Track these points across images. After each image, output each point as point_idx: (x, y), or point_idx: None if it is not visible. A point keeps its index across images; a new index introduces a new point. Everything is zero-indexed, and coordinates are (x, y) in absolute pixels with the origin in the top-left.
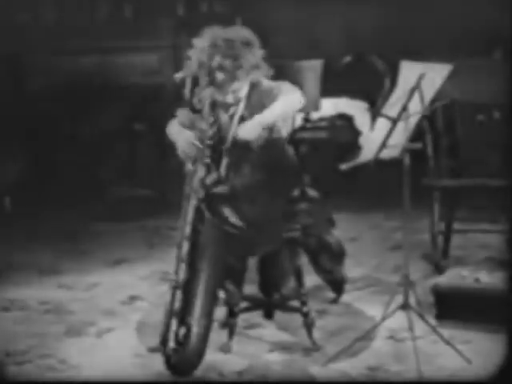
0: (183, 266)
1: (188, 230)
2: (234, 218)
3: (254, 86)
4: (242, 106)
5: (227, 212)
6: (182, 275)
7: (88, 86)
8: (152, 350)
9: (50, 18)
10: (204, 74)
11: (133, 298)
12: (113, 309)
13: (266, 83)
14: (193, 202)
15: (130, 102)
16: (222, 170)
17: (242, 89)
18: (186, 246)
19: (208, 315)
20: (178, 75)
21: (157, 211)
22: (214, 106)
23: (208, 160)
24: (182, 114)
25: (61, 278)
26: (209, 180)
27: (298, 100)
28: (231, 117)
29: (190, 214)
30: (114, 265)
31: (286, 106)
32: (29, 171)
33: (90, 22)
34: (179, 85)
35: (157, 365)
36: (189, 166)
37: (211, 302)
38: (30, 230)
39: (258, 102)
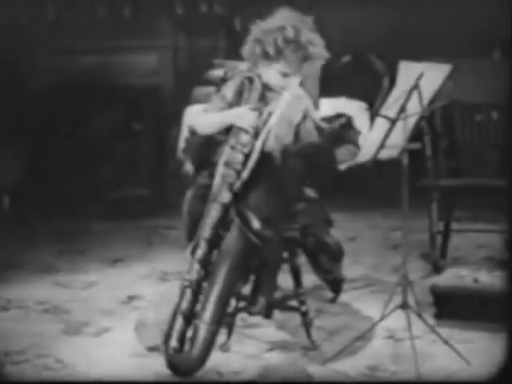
0: (197, 267)
1: (208, 232)
2: (264, 230)
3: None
4: (279, 112)
5: (256, 223)
6: (194, 275)
7: (87, 86)
8: (152, 349)
9: (50, 18)
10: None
11: (131, 298)
12: (111, 308)
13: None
14: (216, 205)
15: (128, 101)
16: (245, 174)
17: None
18: (203, 247)
19: (218, 322)
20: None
21: (155, 211)
22: (264, 98)
23: (240, 166)
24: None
25: (59, 277)
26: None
27: None
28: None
29: (212, 217)
30: (112, 264)
31: None
32: (28, 171)
33: (90, 22)
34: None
35: (155, 365)
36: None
37: (223, 308)
38: (29, 230)
39: (289, 117)
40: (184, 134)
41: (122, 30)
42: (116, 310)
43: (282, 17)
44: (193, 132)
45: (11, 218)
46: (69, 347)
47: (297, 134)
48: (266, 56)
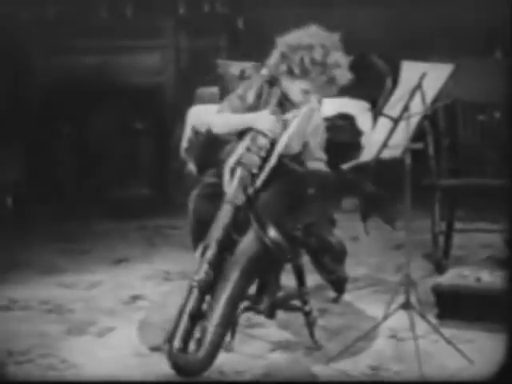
0: (205, 267)
1: (219, 233)
2: (279, 235)
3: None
4: (297, 121)
5: (272, 228)
6: (202, 275)
7: (89, 86)
8: (154, 348)
9: (50, 18)
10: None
11: (134, 298)
12: (114, 308)
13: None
14: (228, 207)
15: (130, 101)
16: (262, 177)
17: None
18: (213, 248)
19: (226, 325)
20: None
21: (157, 211)
22: (282, 104)
23: (256, 169)
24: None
25: (62, 277)
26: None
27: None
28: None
29: (223, 219)
30: (115, 264)
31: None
32: (30, 171)
33: (91, 22)
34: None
35: (159, 364)
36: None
37: (232, 312)
38: (31, 230)
39: (303, 128)
40: (187, 133)
41: (124, 30)
42: (119, 310)
43: (310, 34)
44: (196, 132)
45: (14, 219)
46: (72, 347)
47: (304, 146)
48: (291, 73)
